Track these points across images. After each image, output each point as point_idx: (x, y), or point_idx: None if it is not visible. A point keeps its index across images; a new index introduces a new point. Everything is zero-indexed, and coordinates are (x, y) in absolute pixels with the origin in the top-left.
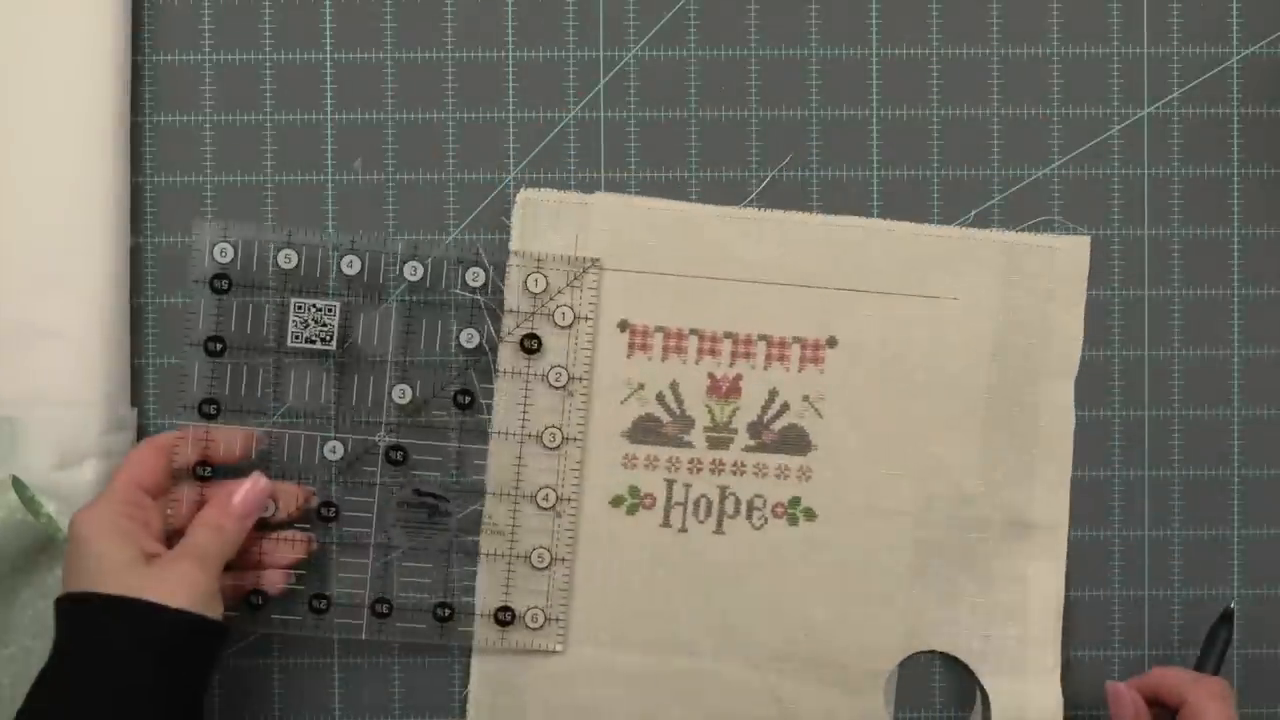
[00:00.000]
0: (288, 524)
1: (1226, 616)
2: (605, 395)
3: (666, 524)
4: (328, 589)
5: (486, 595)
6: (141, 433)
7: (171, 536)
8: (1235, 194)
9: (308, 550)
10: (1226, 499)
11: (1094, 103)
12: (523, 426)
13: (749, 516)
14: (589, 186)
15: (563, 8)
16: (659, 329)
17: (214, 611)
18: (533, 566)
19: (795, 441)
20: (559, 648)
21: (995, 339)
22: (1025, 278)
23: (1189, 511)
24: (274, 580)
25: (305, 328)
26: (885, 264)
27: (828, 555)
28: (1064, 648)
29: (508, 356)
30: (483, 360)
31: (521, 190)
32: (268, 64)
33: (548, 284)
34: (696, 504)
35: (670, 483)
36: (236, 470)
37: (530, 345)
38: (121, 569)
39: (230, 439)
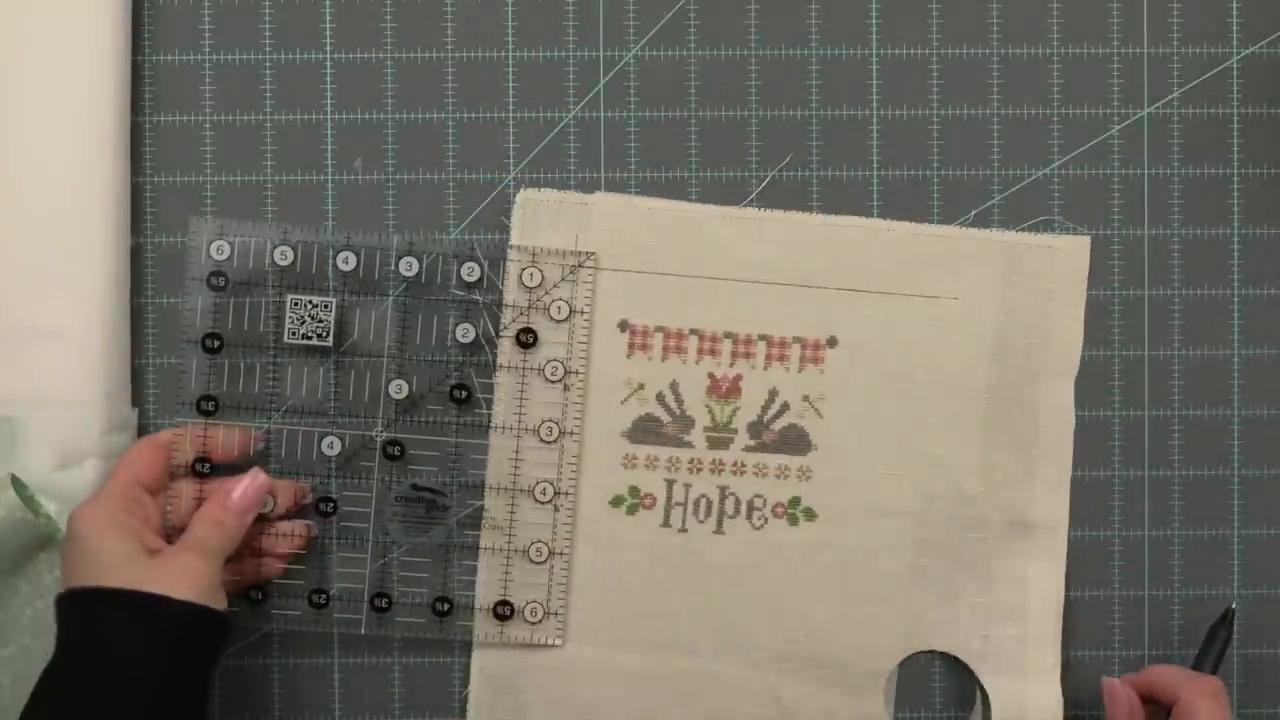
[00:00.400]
0: (286, 519)
1: (1226, 617)
2: (605, 395)
3: (666, 524)
4: (327, 584)
5: (485, 590)
6: (142, 432)
7: (171, 534)
8: (1235, 194)
9: (306, 541)
10: (1226, 499)
11: (1094, 103)
12: (519, 421)
13: (749, 516)
14: (589, 186)
15: (563, 8)
16: (659, 329)
17: (218, 604)
18: (531, 561)
19: (795, 441)
20: (558, 642)
21: (995, 339)
22: (1025, 278)
23: (1189, 511)
24: (273, 569)
25: (302, 324)
26: (885, 264)
27: (828, 555)
28: (1064, 648)
29: (507, 351)
30: (480, 356)
31: (521, 190)
32: (268, 64)
33: (543, 278)
34: (696, 504)
35: (670, 483)
36: (235, 467)
37: (526, 339)
38: (124, 563)
39: (228, 436)
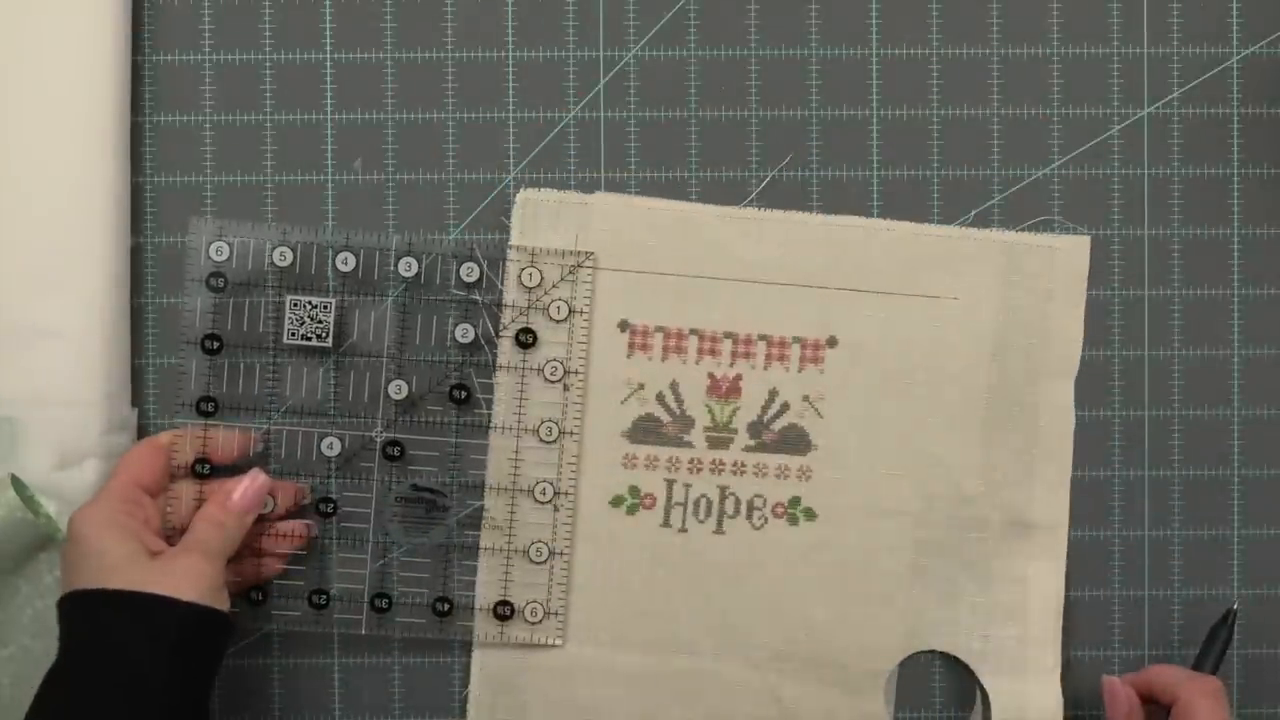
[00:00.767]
0: (286, 519)
1: (1227, 617)
2: (605, 395)
3: (667, 524)
4: (327, 584)
5: (485, 590)
6: (142, 433)
7: (171, 535)
8: (1235, 194)
9: (306, 541)
10: (1226, 499)
11: (1094, 103)
12: (519, 421)
13: (749, 516)
14: (589, 186)
15: (563, 8)
16: (659, 329)
17: (221, 604)
18: (531, 561)
19: (795, 441)
20: (558, 642)
21: (995, 339)
22: (1025, 278)
23: (1189, 511)
24: (273, 569)
25: (301, 325)
26: (885, 264)
27: (828, 555)
28: (1064, 648)
29: (506, 351)
30: (480, 356)
31: (521, 190)
32: (268, 64)
33: (543, 278)
34: (696, 504)
35: (670, 483)
36: (234, 468)
37: (525, 339)
38: (126, 564)
39: (228, 437)
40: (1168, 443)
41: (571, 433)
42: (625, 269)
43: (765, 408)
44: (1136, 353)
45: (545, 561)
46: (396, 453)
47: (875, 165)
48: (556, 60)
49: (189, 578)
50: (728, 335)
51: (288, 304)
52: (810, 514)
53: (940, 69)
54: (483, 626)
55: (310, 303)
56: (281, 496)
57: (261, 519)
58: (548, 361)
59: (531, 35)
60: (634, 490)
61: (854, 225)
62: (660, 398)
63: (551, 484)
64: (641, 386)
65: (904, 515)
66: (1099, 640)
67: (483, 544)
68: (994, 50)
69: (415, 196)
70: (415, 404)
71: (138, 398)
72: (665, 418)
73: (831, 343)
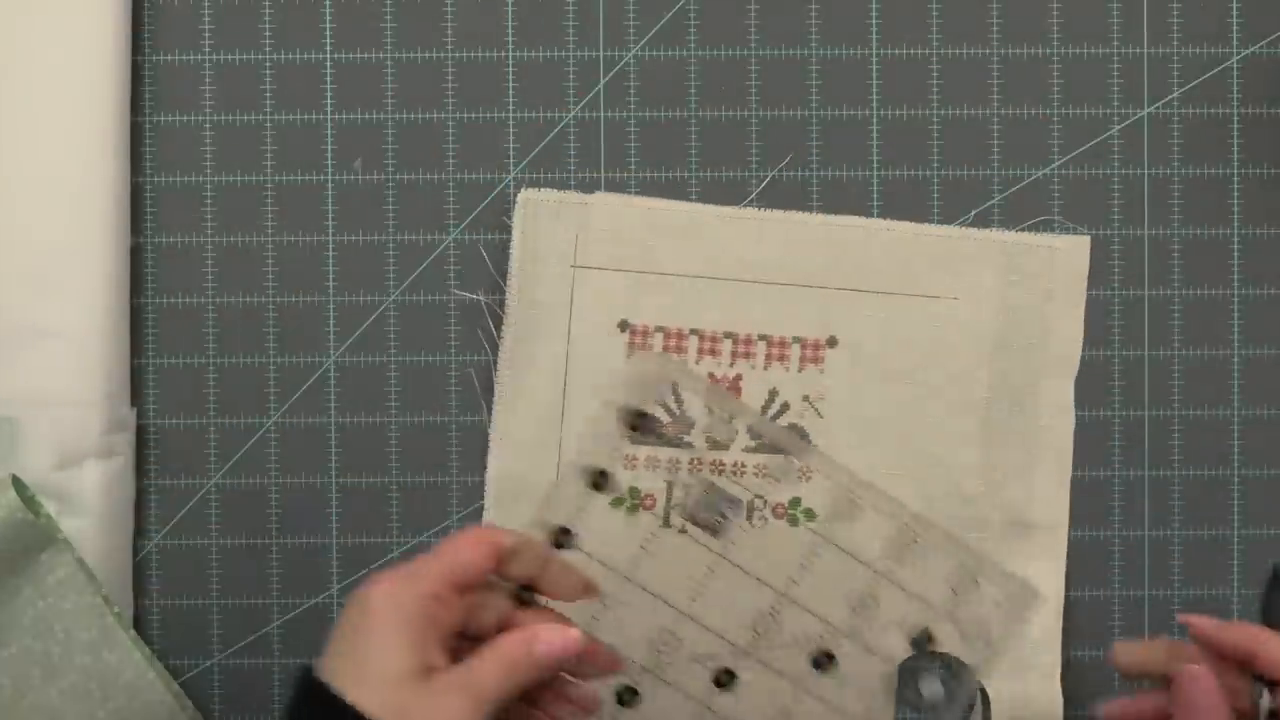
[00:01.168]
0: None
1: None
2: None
3: (666, 524)
4: None
5: None
6: (141, 433)
7: (462, 643)
8: (1235, 194)
9: (589, 715)
10: (1226, 499)
11: (1094, 103)
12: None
13: (749, 517)
14: (589, 186)
15: (563, 8)
16: (659, 329)
17: None
18: None
19: (795, 442)
20: None
21: (995, 339)
22: (1025, 278)
23: (1189, 511)
24: None
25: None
26: (885, 264)
27: (827, 555)
28: (1064, 648)
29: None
30: (483, 356)
31: (521, 190)
32: (268, 64)
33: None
34: (697, 504)
35: (670, 483)
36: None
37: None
38: (395, 681)
39: (569, 577)
40: (1168, 443)
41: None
42: (625, 269)
43: (765, 408)
44: (1136, 353)
45: None
46: (725, 679)
47: (875, 165)
48: (556, 60)
49: None
50: (728, 335)
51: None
52: (810, 514)
53: (940, 69)
54: None
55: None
56: (588, 662)
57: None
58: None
59: (531, 35)
60: (634, 491)
61: (854, 225)
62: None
63: None
64: None
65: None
66: (1099, 640)
67: None
68: (994, 50)
69: (415, 196)
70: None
71: (137, 398)
72: (665, 418)
73: (831, 343)
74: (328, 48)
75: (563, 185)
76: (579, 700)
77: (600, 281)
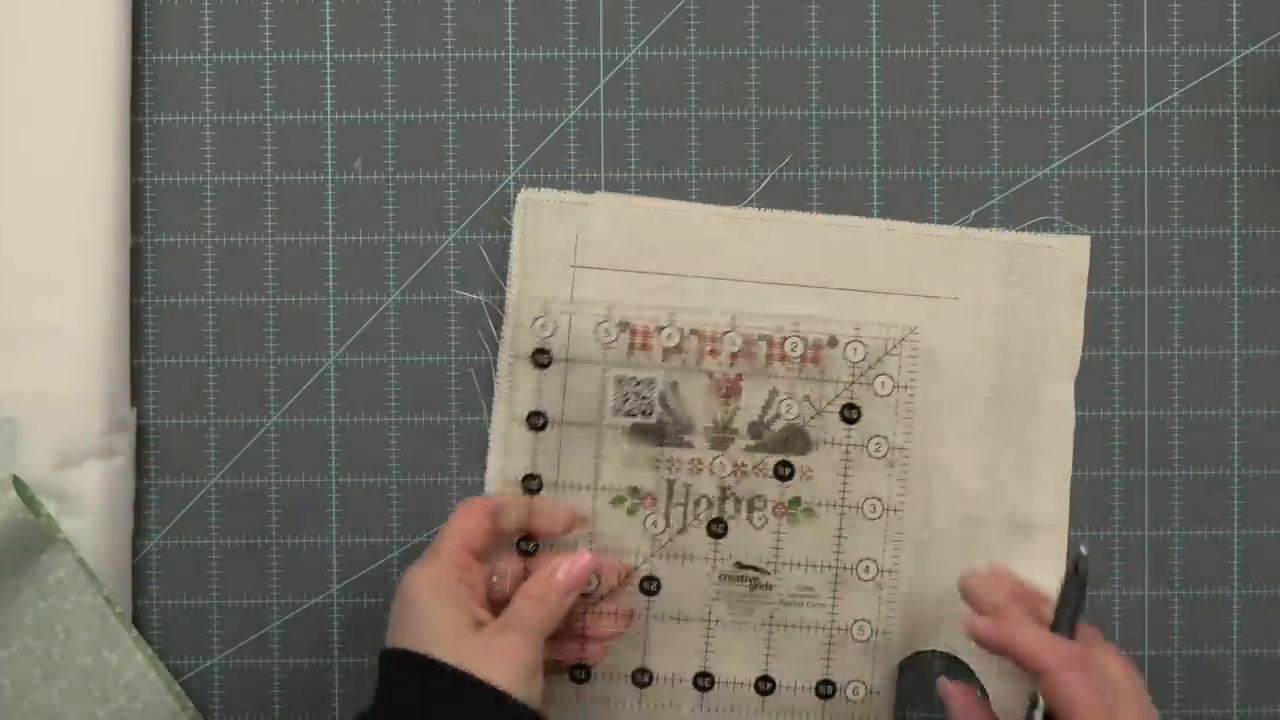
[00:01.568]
0: (609, 599)
1: (1078, 567)
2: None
3: (667, 524)
4: (649, 663)
5: (808, 668)
6: (141, 433)
7: (494, 607)
8: (1235, 194)
9: (628, 624)
10: (1226, 499)
11: (1094, 103)
12: (843, 497)
13: (749, 517)
14: (589, 186)
15: (563, 8)
16: (659, 329)
17: (536, 686)
18: (854, 639)
19: (795, 441)
20: None
21: (995, 339)
22: (1025, 278)
23: (1189, 511)
24: (595, 653)
25: (626, 401)
26: (885, 264)
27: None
28: None
29: (829, 425)
30: (485, 356)
31: (522, 190)
32: (268, 64)
33: (867, 352)
34: (697, 504)
35: (671, 483)
36: (555, 545)
37: (850, 415)
38: (453, 634)
39: (553, 510)
40: (1168, 443)
41: (896, 509)
42: (626, 269)
43: (765, 408)
44: (1136, 353)
45: (868, 640)
46: (720, 530)
47: (875, 165)
48: (556, 60)
49: (506, 657)
50: (728, 335)
51: (613, 380)
52: (810, 514)
53: (940, 69)
54: (804, 703)
55: (635, 379)
56: (606, 575)
57: (584, 596)
58: (871, 438)
59: (531, 35)
60: (634, 490)
61: (854, 225)
62: (661, 398)
63: (875, 562)
64: None
65: (904, 515)
66: None
67: (805, 622)
68: (994, 50)
69: (415, 196)
70: (741, 480)
71: (137, 398)
72: (666, 418)
73: (831, 343)
74: (328, 48)
75: (563, 185)
76: (617, 615)
77: (600, 281)
